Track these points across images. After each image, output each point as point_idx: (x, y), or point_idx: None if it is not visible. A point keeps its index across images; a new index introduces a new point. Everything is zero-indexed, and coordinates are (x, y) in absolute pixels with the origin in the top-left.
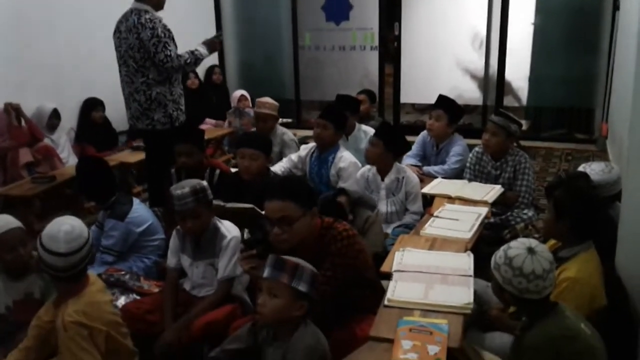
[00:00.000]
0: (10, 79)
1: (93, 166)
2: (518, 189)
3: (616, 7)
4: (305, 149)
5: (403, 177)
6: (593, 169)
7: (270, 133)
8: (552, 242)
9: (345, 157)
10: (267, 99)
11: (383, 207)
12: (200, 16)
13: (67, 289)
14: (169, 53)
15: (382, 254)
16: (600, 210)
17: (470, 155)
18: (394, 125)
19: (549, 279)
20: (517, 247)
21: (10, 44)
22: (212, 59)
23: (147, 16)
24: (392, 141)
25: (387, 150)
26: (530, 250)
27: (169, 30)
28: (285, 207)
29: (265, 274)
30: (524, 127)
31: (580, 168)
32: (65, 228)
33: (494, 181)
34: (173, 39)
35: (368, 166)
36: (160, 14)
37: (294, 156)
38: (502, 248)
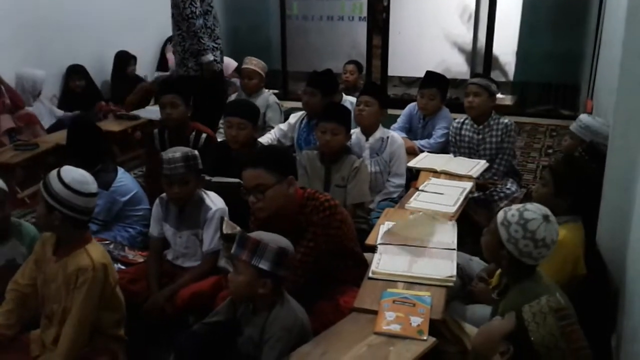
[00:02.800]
0: None
1: (85, 129)
2: (502, 154)
3: None
4: (294, 117)
5: (388, 137)
6: (595, 118)
7: (255, 92)
8: None
9: None
10: (255, 58)
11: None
12: None
13: (83, 236)
14: (194, 9)
15: (367, 229)
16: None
17: (450, 131)
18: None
19: (550, 250)
20: (533, 210)
21: None
22: None
23: None
24: (384, 97)
25: (381, 107)
26: (546, 218)
27: None
28: (258, 174)
29: (232, 250)
30: (510, 102)
31: (583, 115)
32: (81, 172)
33: (477, 146)
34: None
35: (352, 130)
36: None
37: (283, 125)
38: (515, 207)
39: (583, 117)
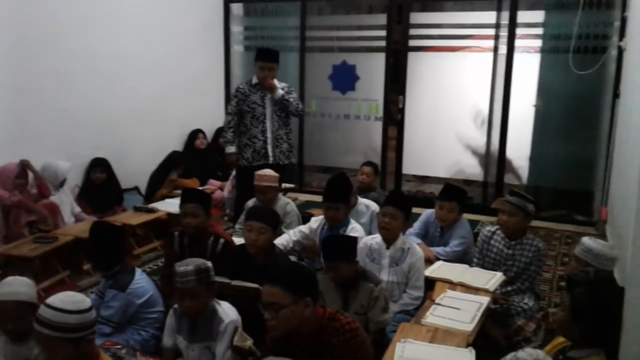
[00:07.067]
0: (19, 134)
1: (107, 233)
2: (528, 275)
3: (616, 95)
4: (316, 221)
5: (408, 249)
6: (597, 241)
7: (272, 204)
8: (562, 338)
9: (356, 229)
10: (267, 171)
11: (385, 275)
12: (210, 86)
13: (91, 353)
14: (229, 108)
15: (385, 342)
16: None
17: (479, 238)
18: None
19: None
20: (524, 358)
21: (20, 98)
22: (198, 123)
23: None
24: (409, 209)
25: (406, 220)
26: None
27: (237, 90)
28: (274, 292)
29: None
30: None
31: (585, 238)
32: (66, 293)
33: (505, 260)
34: (240, 100)
35: (372, 235)
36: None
37: (304, 227)
38: (508, 356)
39: (585, 240)
